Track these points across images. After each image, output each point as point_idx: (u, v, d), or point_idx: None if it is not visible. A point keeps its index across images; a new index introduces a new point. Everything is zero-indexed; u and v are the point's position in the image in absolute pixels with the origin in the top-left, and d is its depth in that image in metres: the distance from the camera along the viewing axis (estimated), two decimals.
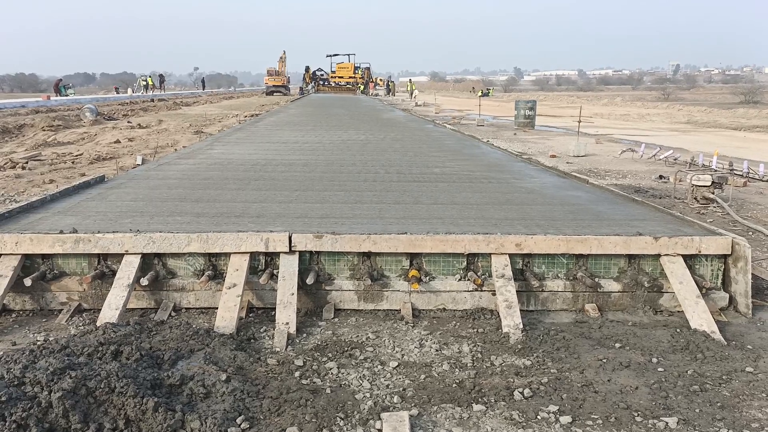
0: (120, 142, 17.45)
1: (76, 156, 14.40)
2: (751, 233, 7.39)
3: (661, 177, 11.98)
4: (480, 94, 41.72)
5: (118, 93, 59.08)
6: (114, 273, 4.65)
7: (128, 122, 24.77)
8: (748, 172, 12.02)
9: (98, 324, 4.19)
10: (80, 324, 4.49)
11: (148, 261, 4.75)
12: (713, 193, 9.03)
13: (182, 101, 45.47)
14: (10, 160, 13.15)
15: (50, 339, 4.08)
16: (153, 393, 3.19)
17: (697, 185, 9.17)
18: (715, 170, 12.25)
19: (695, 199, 9.20)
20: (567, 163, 13.94)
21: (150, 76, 65.48)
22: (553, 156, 15.17)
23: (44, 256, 4.77)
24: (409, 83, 57.99)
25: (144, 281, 4.57)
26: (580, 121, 18.21)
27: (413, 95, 49.77)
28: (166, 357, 3.64)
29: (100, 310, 4.39)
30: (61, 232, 4.74)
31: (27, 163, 12.90)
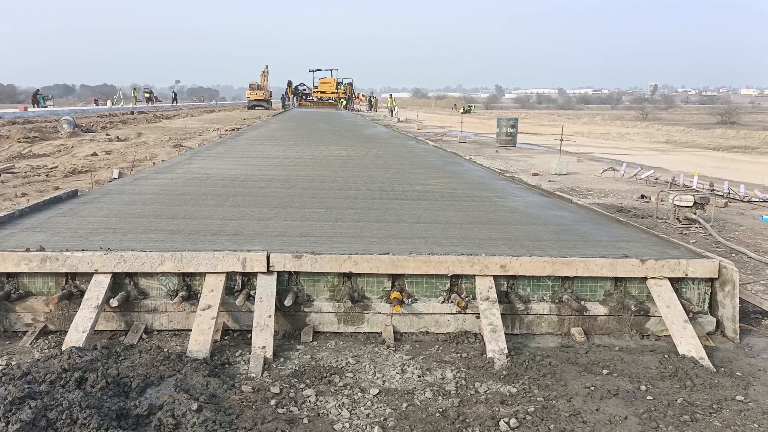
0: (97, 154, 17.17)
1: (51, 168, 14.10)
2: (734, 255, 7.36)
3: (642, 197, 12.00)
4: (462, 111, 41.83)
5: (97, 105, 58.49)
6: (82, 293, 4.44)
7: (107, 135, 24.44)
8: (729, 193, 12.08)
9: (64, 347, 3.98)
10: (45, 347, 4.26)
11: (118, 281, 4.56)
12: (695, 214, 9.02)
13: (162, 114, 45.13)
14: None
15: (12, 364, 3.86)
16: (118, 424, 3.00)
17: (679, 205, 9.16)
18: (697, 190, 12.29)
19: (677, 219, 9.18)
20: (549, 181, 13.93)
21: (135, 89, 65.02)
22: (535, 174, 15.17)
23: (9, 275, 4.55)
24: (389, 99, 57.78)
25: (114, 302, 4.37)
26: (562, 140, 18.29)
27: (393, 112, 49.32)
28: (134, 384, 3.45)
29: (67, 332, 4.19)
30: (28, 249, 4.54)
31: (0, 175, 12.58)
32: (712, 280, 4.85)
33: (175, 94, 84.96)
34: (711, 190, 12.35)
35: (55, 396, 3.11)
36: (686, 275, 4.78)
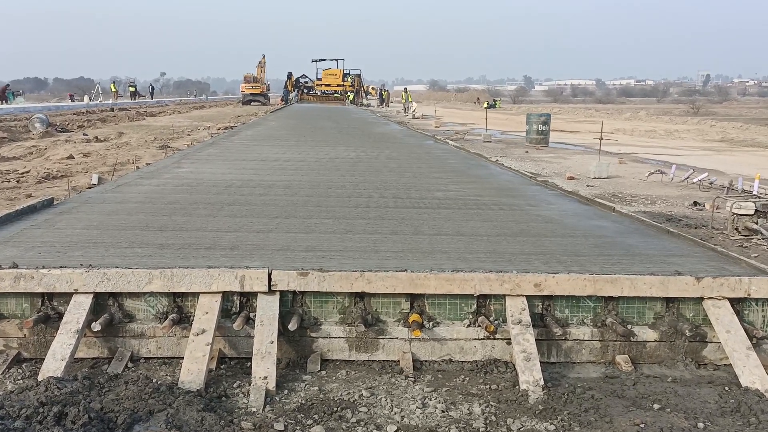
0: (74, 157, 17.37)
1: (22, 174, 14.28)
2: None
3: (695, 204, 11.96)
4: (485, 105, 42.00)
5: (73, 101, 59.10)
6: (60, 316, 4.49)
7: (84, 135, 24.73)
8: None
9: (40, 378, 4.03)
10: (19, 377, 4.32)
11: (101, 302, 4.61)
12: (757, 224, 8.97)
13: (146, 111, 45.51)
14: None
15: None
16: None
17: (738, 214, 9.11)
18: (758, 196, 12.22)
19: (736, 229, 9.14)
20: (587, 186, 13.93)
21: (115, 83, 65.68)
22: (571, 178, 15.16)
23: None
24: (404, 93, 57.94)
25: (96, 326, 4.41)
26: (601, 138, 18.23)
27: (411, 108, 49.24)
28: (120, 420, 3.48)
29: (43, 360, 4.23)
30: None
31: None
32: None
33: (153, 88, 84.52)
34: None
35: None
36: (749, 295, 4.76)
